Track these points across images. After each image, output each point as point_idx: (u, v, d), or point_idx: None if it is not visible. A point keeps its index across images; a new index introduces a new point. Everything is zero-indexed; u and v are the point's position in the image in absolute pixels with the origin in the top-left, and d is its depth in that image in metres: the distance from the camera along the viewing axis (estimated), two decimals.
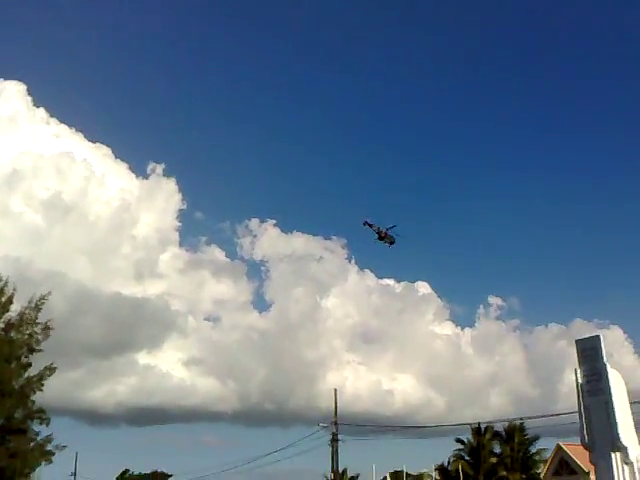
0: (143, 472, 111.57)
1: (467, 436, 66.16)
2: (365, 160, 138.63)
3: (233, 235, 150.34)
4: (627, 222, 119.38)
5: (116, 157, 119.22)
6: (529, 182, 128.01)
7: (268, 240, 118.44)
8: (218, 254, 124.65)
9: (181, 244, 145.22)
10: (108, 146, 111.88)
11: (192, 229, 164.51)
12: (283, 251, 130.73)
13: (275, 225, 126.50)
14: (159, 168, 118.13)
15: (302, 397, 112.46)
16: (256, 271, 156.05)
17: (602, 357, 19.33)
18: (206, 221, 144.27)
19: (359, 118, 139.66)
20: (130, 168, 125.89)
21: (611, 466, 18.28)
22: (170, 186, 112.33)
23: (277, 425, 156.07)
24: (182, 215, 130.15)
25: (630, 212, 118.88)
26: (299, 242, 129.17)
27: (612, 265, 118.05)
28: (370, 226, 48.89)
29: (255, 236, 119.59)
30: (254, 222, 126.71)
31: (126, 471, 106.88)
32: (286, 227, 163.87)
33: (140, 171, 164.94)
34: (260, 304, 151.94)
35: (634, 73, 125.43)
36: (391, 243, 50.33)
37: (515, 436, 65.89)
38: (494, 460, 64.72)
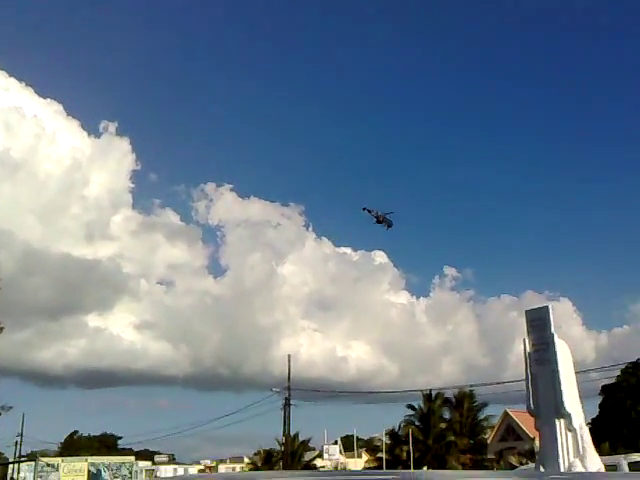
0: (92, 434, 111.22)
1: (418, 402, 67.21)
2: (325, 126, 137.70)
3: (188, 199, 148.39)
4: (579, 197, 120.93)
5: (68, 114, 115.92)
6: (484, 155, 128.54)
7: (224, 205, 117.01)
8: (172, 217, 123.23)
9: (134, 206, 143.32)
10: (60, 102, 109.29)
11: (146, 191, 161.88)
12: (239, 216, 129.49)
13: (232, 190, 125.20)
14: (112, 127, 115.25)
15: (256, 363, 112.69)
16: (211, 236, 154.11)
17: (550, 327, 19.82)
18: (160, 183, 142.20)
19: (317, 84, 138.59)
20: (82, 126, 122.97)
21: (555, 432, 18.85)
22: (123, 146, 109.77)
23: (230, 390, 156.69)
24: (135, 176, 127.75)
25: (583, 187, 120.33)
26: (256, 208, 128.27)
27: (564, 238, 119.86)
28: (369, 212, 50.64)
29: (211, 200, 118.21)
30: (210, 186, 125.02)
31: (75, 433, 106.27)
32: (243, 192, 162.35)
33: (92, 129, 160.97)
34: (215, 269, 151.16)
35: None
36: (389, 226, 52.43)
37: (464, 403, 67.07)
38: (443, 425, 65.85)
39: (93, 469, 50.95)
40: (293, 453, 65.20)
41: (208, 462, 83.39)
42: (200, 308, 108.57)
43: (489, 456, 63.82)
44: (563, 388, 19.00)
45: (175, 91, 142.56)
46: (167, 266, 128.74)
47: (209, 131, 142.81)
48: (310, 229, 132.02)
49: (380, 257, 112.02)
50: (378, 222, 51.69)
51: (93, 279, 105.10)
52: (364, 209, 51.37)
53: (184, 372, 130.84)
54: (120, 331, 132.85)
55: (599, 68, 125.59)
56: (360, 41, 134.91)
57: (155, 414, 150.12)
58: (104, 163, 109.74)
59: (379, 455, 67.34)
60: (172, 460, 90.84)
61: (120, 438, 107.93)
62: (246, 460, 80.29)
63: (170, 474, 61.91)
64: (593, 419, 53.05)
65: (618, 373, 56.16)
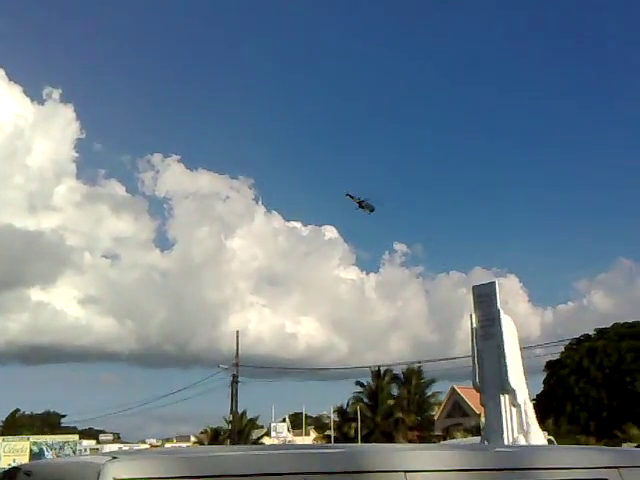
0: (35, 412, 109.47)
1: (367, 379, 67.56)
2: (274, 99, 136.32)
3: (134, 169, 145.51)
4: (527, 174, 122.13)
5: (10, 79, 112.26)
6: (433, 131, 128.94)
7: (172, 176, 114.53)
8: (118, 189, 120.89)
9: (78, 176, 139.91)
10: (1, 67, 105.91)
11: (90, 161, 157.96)
12: (187, 189, 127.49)
13: (179, 161, 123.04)
14: (56, 93, 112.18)
15: (203, 339, 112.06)
16: (158, 208, 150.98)
17: (496, 303, 19.73)
18: (105, 153, 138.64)
19: (260, 53, 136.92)
20: (25, 92, 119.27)
21: (500, 408, 18.82)
22: (68, 113, 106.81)
23: (177, 367, 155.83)
24: (80, 145, 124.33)
25: (530, 163, 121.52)
26: (204, 180, 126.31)
27: (512, 215, 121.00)
28: (351, 197, 53.44)
29: (158, 171, 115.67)
30: (157, 157, 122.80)
31: (16, 411, 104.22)
32: (191, 164, 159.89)
33: (36, 96, 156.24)
34: (162, 242, 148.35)
35: None
36: (371, 211, 54.88)
37: (412, 379, 67.69)
38: (391, 402, 66.36)
39: (35, 448, 49.91)
40: (241, 431, 65.05)
41: (154, 441, 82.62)
42: (146, 283, 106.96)
43: (436, 432, 64.46)
44: (508, 364, 18.95)
45: (122, 58, 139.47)
46: (112, 239, 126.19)
47: (156, 101, 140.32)
48: (260, 203, 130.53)
49: (330, 232, 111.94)
50: (360, 207, 53.96)
51: (35, 251, 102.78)
52: (347, 195, 54.05)
53: (129, 348, 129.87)
54: (64, 306, 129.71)
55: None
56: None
57: (100, 391, 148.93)
58: (47, 131, 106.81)
59: (327, 432, 67.62)
60: (117, 439, 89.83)
61: (64, 416, 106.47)
62: (193, 439, 79.92)
63: None
64: (537, 395, 53.80)
65: (562, 349, 57.02)
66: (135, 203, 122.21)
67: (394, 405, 66.18)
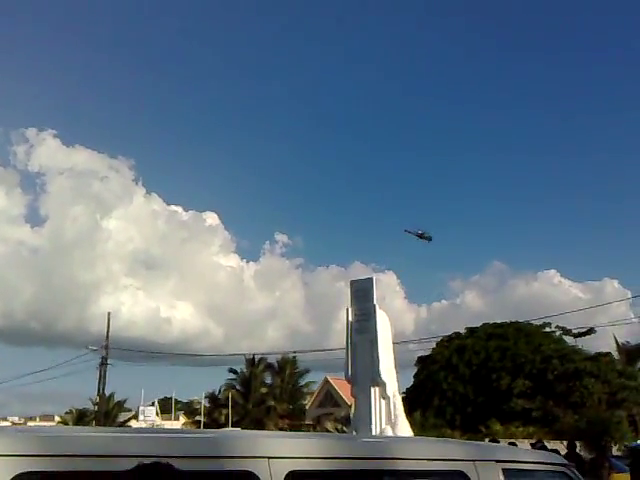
0: None
1: (241, 367, 67.53)
2: (157, 79, 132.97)
3: (6, 142, 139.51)
4: (410, 173, 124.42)
5: None
6: (318, 122, 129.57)
7: (46, 151, 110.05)
8: None
9: None
10: None
11: None
12: (63, 165, 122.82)
13: (55, 136, 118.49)
14: None
15: (72, 319, 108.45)
16: (31, 183, 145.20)
17: (373, 298, 20.13)
18: None
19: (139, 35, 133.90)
20: None
21: (370, 399, 19.23)
22: None
23: (43, 345, 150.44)
24: None
25: (413, 162, 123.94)
26: (82, 157, 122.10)
27: (392, 213, 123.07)
28: (410, 232, 60.09)
29: (32, 146, 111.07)
30: (31, 131, 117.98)
31: None
32: (68, 140, 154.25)
33: None
34: (33, 218, 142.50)
35: None
36: (429, 239, 61.26)
37: (287, 368, 68.15)
38: (264, 390, 66.59)
39: None
40: (107, 413, 63.83)
41: (16, 419, 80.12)
42: (14, 258, 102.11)
43: (307, 421, 65.14)
44: (380, 357, 19.37)
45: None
46: None
47: (34, 71, 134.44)
48: (140, 184, 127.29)
49: (211, 218, 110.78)
50: (421, 238, 60.22)
51: None
52: (405, 231, 60.81)
53: None
54: None
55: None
56: None
57: None
58: None
59: (197, 418, 67.26)
60: None
61: None
62: (57, 419, 77.84)
63: None
64: (408, 388, 55.11)
65: (434, 345, 58.57)
66: (6, 176, 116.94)
67: (267, 393, 66.47)
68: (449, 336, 59.50)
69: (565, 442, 24.38)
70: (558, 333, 55.32)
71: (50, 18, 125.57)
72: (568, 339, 54.70)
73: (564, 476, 4.82)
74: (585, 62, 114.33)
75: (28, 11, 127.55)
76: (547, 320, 54.73)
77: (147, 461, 2.65)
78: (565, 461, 5.11)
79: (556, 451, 14.71)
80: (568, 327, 53.75)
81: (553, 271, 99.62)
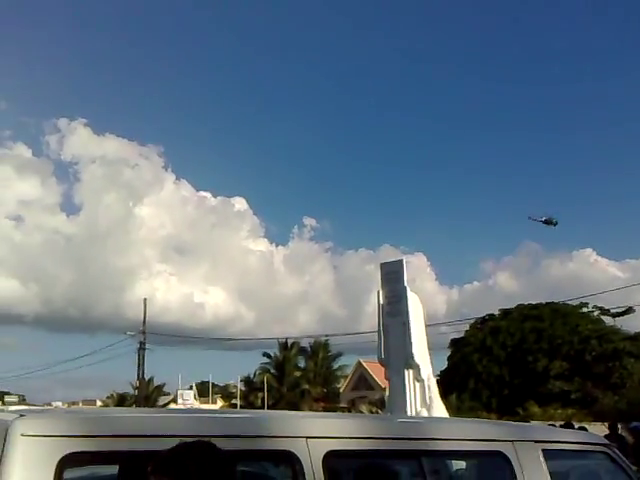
0: None
1: (274, 350, 67.91)
2: (186, 67, 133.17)
3: (39, 133, 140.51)
4: (439, 154, 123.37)
5: None
6: (347, 105, 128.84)
7: (78, 140, 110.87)
8: (24, 151, 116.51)
9: None
10: None
11: None
12: (94, 153, 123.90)
13: (86, 125, 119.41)
14: None
15: (109, 305, 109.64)
16: (64, 172, 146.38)
17: (403, 280, 20.07)
18: (11, 114, 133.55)
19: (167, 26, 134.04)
20: None
21: (404, 382, 19.20)
22: None
23: (82, 332, 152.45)
24: None
25: (442, 144, 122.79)
26: (112, 145, 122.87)
27: (421, 195, 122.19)
28: (535, 219, 58.04)
29: (64, 135, 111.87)
30: (63, 121, 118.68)
31: None
32: (99, 128, 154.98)
33: None
34: (68, 207, 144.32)
35: None
36: (555, 224, 58.29)
37: (319, 352, 68.39)
38: (298, 374, 66.96)
39: None
40: (147, 397, 64.69)
41: (59, 404, 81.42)
42: (51, 246, 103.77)
43: (342, 405, 65.36)
44: (413, 340, 19.31)
45: (30, 14, 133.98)
46: (17, 201, 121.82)
47: (65, 62, 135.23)
48: (169, 170, 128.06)
49: (240, 203, 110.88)
50: (546, 223, 57.81)
51: None
52: (529, 218, 58.94)
53: (34, 312, 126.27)
54: None
55: None
56: None
57: (4, 354, 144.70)
58: None
59: (234, 401, 67.88)
60: (22, 401, 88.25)
61: None
62: (99, 403, 79.03)
63: None
64: (441, 371, 55.01)
65: (467, 328, 58.40)
66: (40, 166, 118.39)
67: (300, 377, 66.83)
68: (482, 318, 59.25)
69: (607, 424, 24.19)
70: (596, 313, 54.78)
71: (75, 9, 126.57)
72: (606, 319, 54.22)
73: (605, 456, 4.80)
74: None
75: (57, 2, 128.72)
76: (584, 300, 54.08)
77: (188, 440, 2.70)
78: (606, 441, 5.09)
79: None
80: (606, 307, 53.31)
81: (589, 250, 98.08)
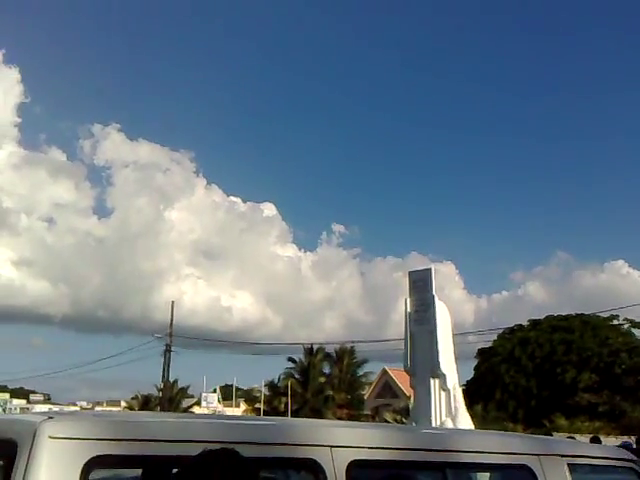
0: None
1: (299, 356, 67.96)
2: (218, 72, 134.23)
3: (73, 137, 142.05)
4: (468, 162, 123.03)
5: None
6: (377, 114, 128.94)
7: (111, 145, 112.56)
8: (58, 155, 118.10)
9: (18, 140, 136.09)
10: None
11: (32, 125, 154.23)
12: (127, 158, 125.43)
13: (120, 130, 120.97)
14: None
15: (137, 307, 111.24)
16: (98, 176, 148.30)
17: (431, 289, 20.01)
18: (46, 118, 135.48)
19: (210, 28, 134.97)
20: None
21: (429, 391, 19.14)
22: (12, 75, 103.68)
23: (110, 333, 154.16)
24: (22, 109, 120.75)
25: (471, 151, 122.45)
26: (145, 150, 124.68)
27: (451, 203, 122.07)
28: None
29: (98, 140, 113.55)
30: (97, 126, 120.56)
31: None
32: (132, 133, 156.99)
33: None
34: (100, 210, 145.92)
35: None
36: None
37: (345, 358, 68.29)
38: (323, 380, 66.92)
39: None
40: (171, 399, 65.02)
41: (84, 404, 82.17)
42: (82, 248, 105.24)
43: (365, 412, 65.24)
44: (440, 349, 19.25)
45: (67, 20, 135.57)
46: (50, 204, 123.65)
47: (101, 67, 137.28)
48: (200, 175, 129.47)
49: (269, 209, 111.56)
50: None
51: None
52: None
53: (63, 312, 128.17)
54: None
55: None
56: None
57: (31, 353, 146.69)
58: None
59: (257, 405, 67.97)
60: (47, 400, 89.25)
61: None
62: (123, 404, 79.55)
63: None
64: (468, 381, 54.76)
65: (495, 338, 58.03)
66: (75, 169, 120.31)
67: (325, 382, 66.79)
68: (511, 328, 58.86)
69: (633, 437, 23.91)
70: (626, 326, 54.21)
71: (111, 16, 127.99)
72: (637, 332, 53.63)
73: (632, 472, 4.73)
74: None
75: (92, 8, 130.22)
76: (615, 312, 53.60)
77: (213, 447, 2.72)
78: (634, 457, 5.02)
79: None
80: (637, 320, 52.66)
81: (621, 261, 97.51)
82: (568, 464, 4.34)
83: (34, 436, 2.86)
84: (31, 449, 2.84)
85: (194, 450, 2.69)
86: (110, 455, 3.00)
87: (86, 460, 2.89)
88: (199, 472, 2.55)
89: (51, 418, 3.01)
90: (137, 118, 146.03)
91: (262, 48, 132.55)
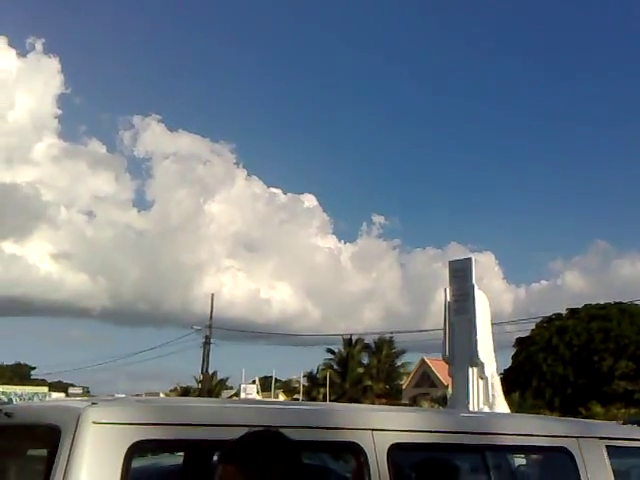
0: (5, 363, 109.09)
1: (338, 347, 68.04)
2: (259, 64, 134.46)
3: (113, 129, 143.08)
4: (507, 152, 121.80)
5: None
6: (416, 105, 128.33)
7: (152, 136, 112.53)
8: (98, 147, 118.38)
9: (58, 131, 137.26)
10: None
11: (71, 117, 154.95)
12: (167, 149, 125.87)
13: (160, 121, 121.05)
14: (39, 44, 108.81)
15: (177, 300, 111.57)
16: (138, 168, 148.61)
17: (471, 278, 20.00)
18: (86, 109, 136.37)
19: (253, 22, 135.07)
20: (9, 43, 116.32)
21: (467, 379, 19.14)
22: (52, 65, 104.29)
23: (150, 325, 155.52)
24: (62, 100, 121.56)
25: (509, 141, 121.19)
26: (185, 142, 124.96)
27: (490, 192, 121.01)
28: None
29: (138, 131, 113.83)
30: (137, 117, 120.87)
31: None
32: (172, 124, 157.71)
33: (19, 46, 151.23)
34: (140, 202, 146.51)
35: None
36: None
37: (383, 349, 68.28)
38: (361, 370, 66.99)
39: (4, 398, 49.98)
40: (210, 391, 65.46)
41: (122, 396, 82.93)
42: (122, 241, 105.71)
43: (404, 401, 65.16)
44: (478, 338, 19.25)
45: (108, 13, 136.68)
46: (90, 196, 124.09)
47: (142, 59, 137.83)
48: (241, 167, 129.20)
49: (309, 200, 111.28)
50: None
51: (10, 204, 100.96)
52: None
53: (102, 305, 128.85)
54: (37, 260, 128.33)
55: None
56: None
57: (71, 346, 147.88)
58: (29, 84, 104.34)
59: (296, 396, 68.16)
60: (86, 393, 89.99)
61: (34, 368, 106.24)
62: (162, 396, 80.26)
63: None
64: (505, 369, 54.40)
65: (533, 327, 57.63)
66: (114, 161, 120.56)
67: (363, 373, 66.83)
68: (549, 317, 58.40)
69: None
70: None
71: (151, 7, 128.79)
72: None
73: None
74: None
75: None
76: None
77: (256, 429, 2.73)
78: None
79: None
80: None
81: None
82: (606, 446, 4.33)
83: (78, 422, 2.91)
84: (75, 434, 2.89)
85: (236, 434, 2.69)
86: (153, 440, 3.04)
87: (129, 445, 2.94)
88: (243, 454, 2.56)
89: (94, 404, 3.06)
90: (177, 109, 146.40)
91: (304, 36, 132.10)
